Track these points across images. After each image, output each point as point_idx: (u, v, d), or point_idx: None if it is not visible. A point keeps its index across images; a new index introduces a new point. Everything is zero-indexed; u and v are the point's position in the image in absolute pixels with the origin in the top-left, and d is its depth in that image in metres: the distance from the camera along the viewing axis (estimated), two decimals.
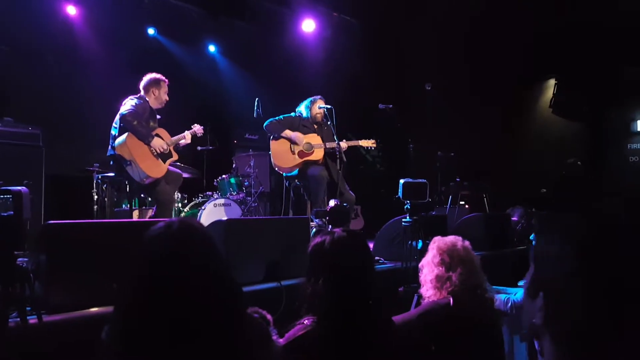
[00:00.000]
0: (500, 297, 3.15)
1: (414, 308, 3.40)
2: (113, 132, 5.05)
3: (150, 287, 1.27)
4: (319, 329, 1.86)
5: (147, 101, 5.21)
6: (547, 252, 0.89)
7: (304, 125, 5.87)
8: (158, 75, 5.34)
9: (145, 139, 5.02)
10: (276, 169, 5.92)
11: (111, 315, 1.33)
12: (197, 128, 5.59)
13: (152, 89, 5.27)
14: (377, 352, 1.87)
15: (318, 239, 2.02)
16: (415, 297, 3.42)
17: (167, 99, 5.37)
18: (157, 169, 5.09)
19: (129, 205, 5.96)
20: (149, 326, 1.24)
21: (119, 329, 1.28)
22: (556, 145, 8.98)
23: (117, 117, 5.05)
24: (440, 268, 2.41)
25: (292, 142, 5.75)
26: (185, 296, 1.26)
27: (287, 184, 6.01)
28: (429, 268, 2.47)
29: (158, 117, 5.35)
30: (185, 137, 5.46)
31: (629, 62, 8.52)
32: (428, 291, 2.46)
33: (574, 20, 7.97)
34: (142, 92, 5.26)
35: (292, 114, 5.98)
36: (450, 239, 2.50)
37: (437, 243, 2.51)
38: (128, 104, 5.04)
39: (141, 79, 5.31)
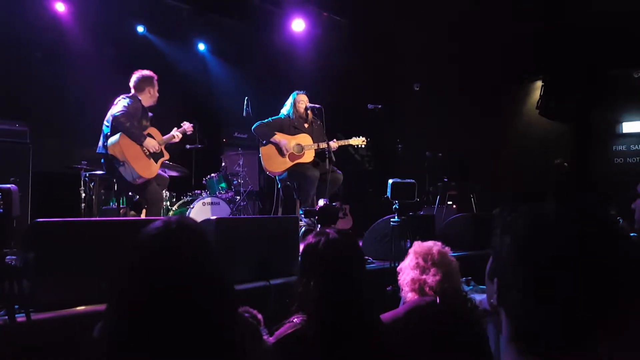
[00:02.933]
0: (483, 298, 3.18)
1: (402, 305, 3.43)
2: (105, 130, 4.99)
3: (146, 285, 1.28)
4: (309, 328, 1.88)
5: (140, 100, 5.12)
6: (496, 245, 1.04)
7: (294, 126, 5.87)
8: (149, 72, 5.24)
9: (138, 139, 4.94)
10: (268, 173, 5.92)
11: (104, 312, 1.33)
12: (187, 126, 5.53)
13: (148, 87, 5.18)
14: (366, 350, 1.89)
15: (311, 240, 2.03)
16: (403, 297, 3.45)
17: (158, 95, 5.31)
18: (149, 170, 5.05)
19: (116, 204, 5.93)
20: (142, 324, 1.25)
21: (112, 326, 1.29)
22: (543, 146, 9.06)
23: (109, 116, 4.96)
24: (415, 271, 2.44)
25: (280, 148, 5.74)
26: (180, 295, 1.27)
27: (279, 184, 6.00)
28: (405, 271, 2.51)
29: (150, 114, 5.30)
30: (175, 137, 5.40)
31: (616, 65, 8.62)
32: (407, 294, 2.48)
33: (561, 22, 8.05)
34: (133, 91, 5.16)
35: (281, 115, 5.97)
36: (428, 243, 2.52)
37: (414, 247, 2.55)
38: (120, 105, 4.94)
39: (131, 77, 5.19)
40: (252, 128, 5.81)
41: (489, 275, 1.07)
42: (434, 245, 2.49)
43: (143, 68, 5.30)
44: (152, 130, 5.21)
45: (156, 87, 5.26)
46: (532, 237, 0.95)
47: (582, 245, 0.90)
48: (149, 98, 5.21)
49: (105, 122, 5.00)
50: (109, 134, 4.92)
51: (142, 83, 5.18)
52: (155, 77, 5.28)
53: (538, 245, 0.93)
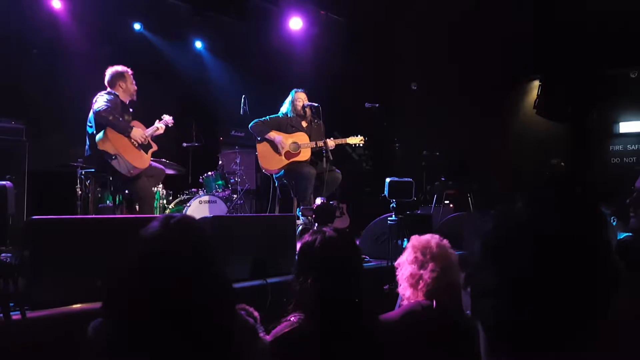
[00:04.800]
0: None
1: (398, 306, 3.43)
2: (89, 131, 5.02)
3: (145, 283, 1.27)
4: (306, 326, 1.88)
5: (117, 95, 5.16)
6: (468, 250, 0.99)
7: (292, 124, 5.86)
8: (120, 68, 5.26)
9: (125, 131, 4.99)
10: (264, 170, 5.91)
11: (101, 311, 1.32)
12: (168, 119, 5.55)
13: (119, 82, 5.21)
14: (363, 349, 1.89)
15: (308, 238, 2.03)
16: (400, 296, 3.45)
17: (136, 88, 5.32)
18: (141, 160, 5.10)
19: (112, 201, 5.91)
20: (141, 323, 1.24)
21: (111, 325, 1.28)
22: (540, 146, 9.07)
23: (91, 114, 5.01)
24: (413, 266, 2.42)
25: (275, 144, 5.74)
26: (180, 293, 1.26)
27: (275, 182, 5.99)
28: (403, 266, 2.49)
29: (131, 110, 5.31)
30: (159, 128, 5.43)
31: (613, 64, 8.64)
32: (405, 290, 2.46)
33: (558, 22, 8.05)
34: (108, 88, 5.19)
35: (279, 114, 5.96)
36: (425, 237, 2.49)
37: (412, 242, 2.52)
38: (100, 101, 4.97)
39: (104, 74, 5.24)
40: (249, 126, 5.80)
41: (463, 285, 1.03)
42: (431, 239, 2.45)
43: (139, 66, 5.33)
44: (136, 123, 5.25)
45: (129, 81, 5.27)
46: (501, 239, 0.91)
47: (554, 246, 0.86)
48: (123, 92, 5.24)
49: (87, 124, 5.05)
50: (94, 132, 4.96)
51: (114, 79, 5.22)
52: (129, 71, 5.30)
53: (508, 247, 0.89)
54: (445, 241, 2.48)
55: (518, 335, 0.88)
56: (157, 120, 5.49)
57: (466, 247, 0.98)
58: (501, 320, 0.89)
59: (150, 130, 5.33)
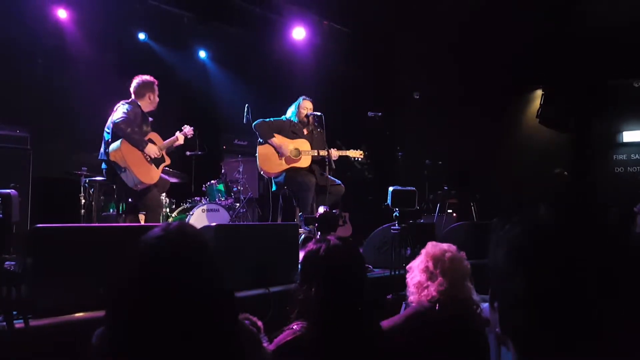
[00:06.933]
0: (485, 306, 3.15)
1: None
2: (106, 137, 4.98)
3: (146, 291, 1.27)
4: (309, 335, 1.87)
5: (139, 106, 5.11)
6: (492, 260, 0.94)
7: (294, 131, 5.86)
8: (150, 78, 5.22)
9: (139, 145, 4.93)
10: (262, 172, 5.90)
11: (104, 319, 1.32)
12: (188, 129, 5.52)
13: (148, 93, 5.17)
14: (366, 357, 1.89)
15: (312, 246, 2.03)
16: (404, 305, 3.44)
17: (158, 99, 5.31)
18: (150, 175, 5.04)
19: (116, 210, 5.91)
20: (143, 331, 1.24)
21: (113, 334, 1.28)
22: (543, 156, 9.05)
23: (109, 122, 4.95)
24: (423, 275, 2.41)
25: (277, 151, 5.74)
26: (181, 301, 1.26)
27: (274, 186, 5.97)
28: (414, 272, 2.48)
29: (150, 119, 5.28)
30: (178, 139, 5.40)
31: (616, 74, 8.64)
32: (411, 295, 2.46)
33: (561, 32, 8.07)
34: (133, 97, 5.14)
35: (283, 117, 5.98)
36: (442, 247, 2.46)
37: (427, 248, 2.50)
38: (119, 111, 4.92)
39: (131, 82, 5.18)
40: (253, 124, 5.78)
41: (490, 301, 0.97)
42: (447, 250, 2.43)
43: (144, 75, 5.28)
44: (153, 135, 5.21)
45: (156, 93, 5.25)
46: (531, 245, 0.87)
47: (586, 252, 0.84)
48: (148, 104, 5.21)
49: (105, 129, 5.00)
50: (109, 140, 4.91)
51: (142, 89, 5.17)
52: (156, 82, 5.26)
53: (538, 252, 0.86)
54: (462, 254, 2.45)
55: (550, 345, 0.84)
56: (178, 132, 5.45)
57: (489, 259, 0.94)
58: (532, 330, 0.85)
59: (167, 142, 5.28)
